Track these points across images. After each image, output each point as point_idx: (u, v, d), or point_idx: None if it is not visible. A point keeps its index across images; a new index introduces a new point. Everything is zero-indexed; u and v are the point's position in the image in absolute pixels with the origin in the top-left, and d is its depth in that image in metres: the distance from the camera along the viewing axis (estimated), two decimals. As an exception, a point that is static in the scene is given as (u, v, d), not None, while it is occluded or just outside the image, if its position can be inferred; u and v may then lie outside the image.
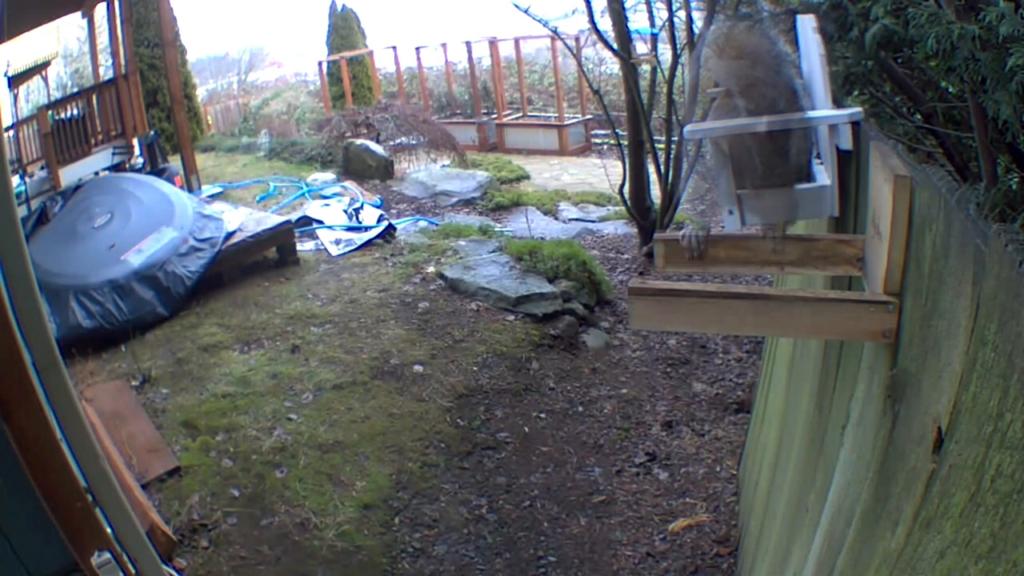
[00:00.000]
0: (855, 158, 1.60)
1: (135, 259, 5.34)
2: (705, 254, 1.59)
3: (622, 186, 6.59)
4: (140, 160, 7.98)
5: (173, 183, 6.98)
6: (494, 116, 12.94)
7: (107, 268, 5.25)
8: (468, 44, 13.02)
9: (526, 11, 6.51)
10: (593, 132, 12.33)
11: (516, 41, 12.50)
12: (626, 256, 6.70)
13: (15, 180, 6.56)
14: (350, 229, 6.88)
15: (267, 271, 6.04)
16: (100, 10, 8.20)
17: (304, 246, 6.55)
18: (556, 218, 8.26)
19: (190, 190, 7.57)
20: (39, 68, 9.39)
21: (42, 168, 7.31)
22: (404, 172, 9.90)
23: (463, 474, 3.94)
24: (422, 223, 7.66)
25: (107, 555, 1.40)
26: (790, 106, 1.50)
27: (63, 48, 10.50)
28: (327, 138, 10.58)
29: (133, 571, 1.46)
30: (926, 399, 1.02)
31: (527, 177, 10.29)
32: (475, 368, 4.67)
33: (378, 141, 10.40)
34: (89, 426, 1.42)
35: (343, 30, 15.04)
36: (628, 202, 6.60)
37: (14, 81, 8.55)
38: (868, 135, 1.48)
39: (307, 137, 11.91)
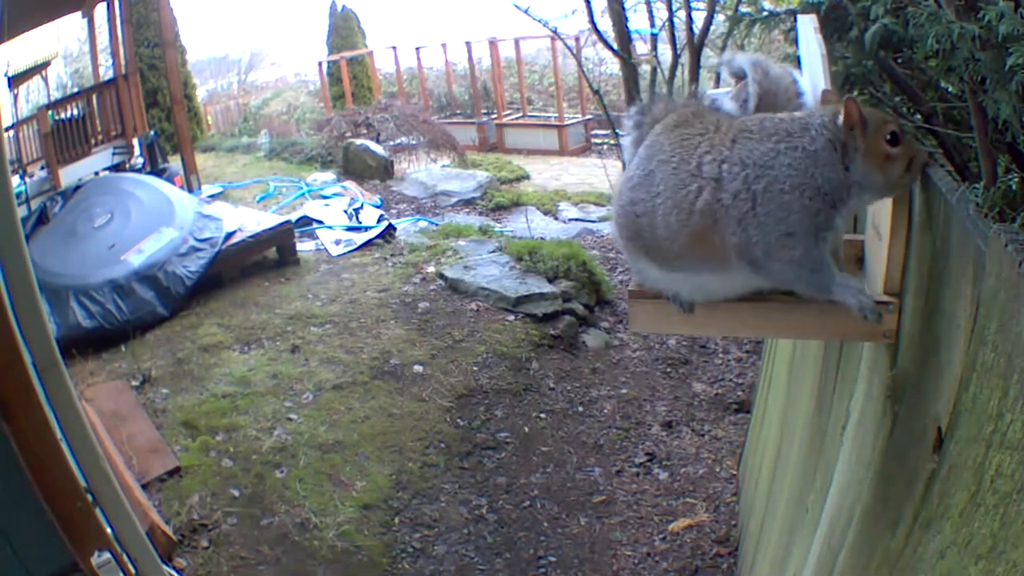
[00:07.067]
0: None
1: (135, 259, 5.34)
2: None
3: (622, 186, 6.58)
4: (140, 160, 7.99)
5: (173, 183, 6.98)
6: (494, 116, 12.93)
7: (107, 268, 5.25)
8: (468, 44, 13.02)
9: (526, 11, 6.50)
10: (593, 132, 12.33)
11: (516, 41, 12.50)
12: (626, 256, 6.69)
13: (15, 180, 6.56)
14: (350, 229, 6.88)
15: (267, 271, 6.04)
16: (100, 10, 8.20)
17: (304, 246, 6.54)
18: (556, 218, 8.26)
19: (190, 190, 7.57)
20: (39, 68, 9.40)
21: (42, 168, 7.31)
22: (404, 172, 9.90)
23: (463, 474, 3.94)
24: (422, 223, 7.66)
25: (107, 555, 1.40)
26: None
27: (63, 48, 10.51)
28: (327, 138, 10.57)
29: (133, 571, 1.46)
30: (926, 399, 1.02)
31: (527, 177, 10.29)
32: (475, 368, 4.66)
33: (378, 141, 10.39)
34: (89, 426, 1.42)
35: (343, 30, 15.05)
36: (628, 202, 6.59)
37: (14, 81, 8.56)
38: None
39: (307, 137, 11.90)
